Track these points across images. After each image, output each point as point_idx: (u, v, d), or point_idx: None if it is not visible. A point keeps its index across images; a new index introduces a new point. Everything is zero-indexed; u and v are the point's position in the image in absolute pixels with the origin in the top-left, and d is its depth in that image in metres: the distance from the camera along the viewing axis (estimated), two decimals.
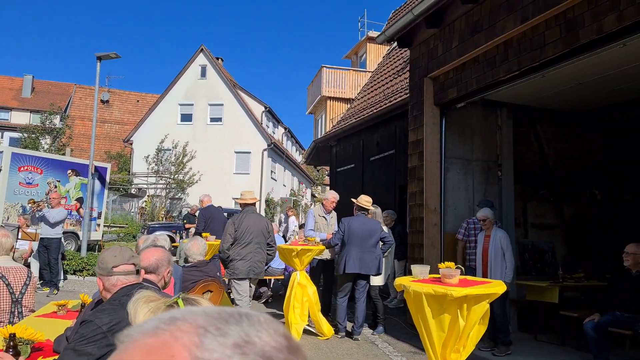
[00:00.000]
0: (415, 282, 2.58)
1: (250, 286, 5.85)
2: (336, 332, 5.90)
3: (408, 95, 7.60)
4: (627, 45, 4.51)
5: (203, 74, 26.71)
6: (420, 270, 2.78)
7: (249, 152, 26.00)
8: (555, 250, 7.66)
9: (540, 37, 4.92)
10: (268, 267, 8.14)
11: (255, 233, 5.47)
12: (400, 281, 2.70)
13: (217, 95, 26.39)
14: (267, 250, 5.62)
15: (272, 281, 8.84)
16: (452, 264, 2.53)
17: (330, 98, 17.92)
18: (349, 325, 6.23)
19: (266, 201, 25.42)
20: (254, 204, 5.87)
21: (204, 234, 7.11)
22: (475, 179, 7.12)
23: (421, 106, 6.87)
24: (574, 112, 7.61)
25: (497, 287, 2.43)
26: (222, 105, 26.40)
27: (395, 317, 6.97)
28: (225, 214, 16.45)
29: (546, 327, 6.73)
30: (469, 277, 2.80)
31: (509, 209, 7.18)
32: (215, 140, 25.87)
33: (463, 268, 2.64)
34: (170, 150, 25.10)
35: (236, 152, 26.02)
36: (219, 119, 26.38)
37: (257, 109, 27.81)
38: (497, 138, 7.30)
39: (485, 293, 2.38)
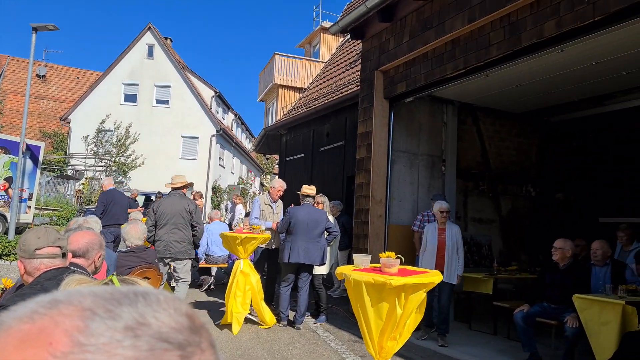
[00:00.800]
0: (356, 271, 2.60)
1: (171, 270, 5.84)
2: (278, 321, 5.89)
3: (359, 87, 7.65)
4: (565, 50, 4.74)
5: (150, 53, 25.59)
6: (361, 259, 2.81)
7: (197, 138, 25.30)
8: (492, 244, 8.02)
9: (486, 38, 5.08)
10: (210, 255, 7.99)
11: (171, 215, 5.68)
12: (342, 270, 2.71)
13: (164, 77, 25.39)
14: (193, 230, 5.76)
15: (215, 269, 8.67)
16: (392, 254, 2.57)
17: (282, 86, 17.75)
18: (291, 315, 6.23)
19: (213, 188, 24.91)
20: (183, 187, 6.02)
21: (142, 219, 6.83)
22: (420, 172, 7.30)
23: (371, 99, 6.93)
24: (514, 112, 7.96)
25: (434, 277, 2.50)
26: (169, 87, 25.45)
27: (337, 307, 7.05)
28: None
29: (480, 317, 7.05)
30: (408, 267, 2.85)
31: (451, 203, 7.40)
32: (161, 123, 24.94)
33: (403, 258, 2.68)
34: (111, 131, 23.89)
35: (183, 137, 25.23)
36: (166, 102, 25.43)
37: (207, 93, 27.07)
38: (443, 134, 7.52)
39: (423, 282, 2.44)
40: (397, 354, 4.93)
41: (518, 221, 8.41)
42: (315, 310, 6.49)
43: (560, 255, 5.17)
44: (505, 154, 8.37)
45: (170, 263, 5.69)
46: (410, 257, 5.88)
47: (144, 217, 7.88)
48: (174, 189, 6.00)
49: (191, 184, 6.86)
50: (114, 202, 8.15)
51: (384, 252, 2.60)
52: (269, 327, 5.78)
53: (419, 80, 6.14)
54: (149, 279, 4.16)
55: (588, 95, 6.82)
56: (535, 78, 6.00)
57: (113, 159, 23.25)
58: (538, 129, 8.60)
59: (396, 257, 2.59)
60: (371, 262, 2.89)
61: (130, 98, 25.29)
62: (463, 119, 7.87)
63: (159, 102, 25.40)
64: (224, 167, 27.55)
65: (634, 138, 9.09)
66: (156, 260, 4.60)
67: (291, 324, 5.92)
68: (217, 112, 28.03)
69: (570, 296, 4.75)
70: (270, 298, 6.68)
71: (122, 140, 23.78)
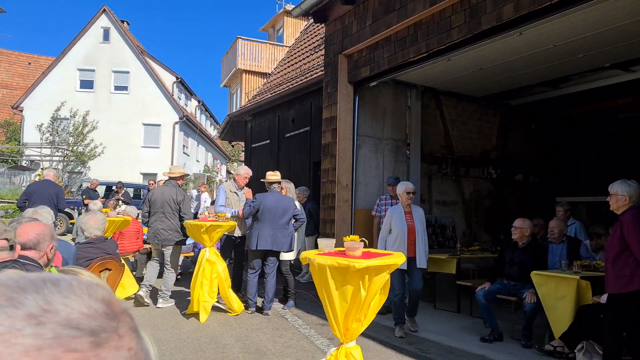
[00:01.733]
0: (320, 255, 2.60)
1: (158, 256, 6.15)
2: (246, 308, 5.86)
3: (323, 72, 7.60)
4: (523, 34, 4.84)
5: (106, 37, 24.56)
6: (326, 243, 2.81)
7: (159, 125, 24.62)
8: (455, 226, 8.21)
9: (447, 21, 5.12)
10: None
11: (160, 204, 6.13)
12: (306, 254, 2.71)
13: (122, 62, 24.47)
14: (180, 220, 6.12)
15: (181, 259, 8.52)
16: (356, 237, 2.57)
17: (245, 71, 17.42)
18: (259, 301, 6.22)
19: None
20: (179, 178, 6.56)
21: (103, 209, 6.62)
22: (385, 157, 7.36)
23: (335, 83, 6.90)
24: (475, 96, 8.11)
25: (397, 259, 2.53)
26: (127, 72, 24.56)
27: (306, 292, 7.08)
28: (130, 190, 15.55)
29: (444, 296, 7.25)
30: (372, 250, 2.87)
31: (416, 187, 7.50)
32: (121, 110, 24.10)
33: (367, 241, 2.70)
34: (68, 119, 22.88)
35: (144, 125, 24.50)
36: (125, 88, 24.55)
37: (168, 79, 26.31)
38: (407, 118, 7.59)
39: (386, 264, 2.47)
40: (364, 334, 5.00)
41: (480, 203, 8.65)
42: (284, 296, 6.49)
43: (519, 234, 5.34)
44: (467, 138, 8.54)
45: (162, 249, 6.14)
46: (376, 240, 5.93)
47: (105, 207, 7.65)
48: (170, 178, 6.44)
49: (187, 175, 7.23)
50: (35, 192, 7.93)
51: (349, 236, 2.61)
52: (237, 315, 5.75)
53: (383, 64, 6.14)
54: (110, 270, 4.04)
55: (546, 79, 7.01)
56: (496, 62, 6.12)
57: (70, 149, 22.34)
58: (498, 113, 8.81)
59: (360, 240, 2.59)
60: (336, 246, 2.90)
61: (87, 84, 24.28)
62: (426, 103, 7.96)
63: (117, 88, 24.51)
64: (188, 155, 27.00)
65: (589, 120, 9.48)
66: (117, 251, 4.46)
67: (260, 310, 5.91)
68: (180, 99, 27.35)
69: (528, 273, 4.94)
70: (239, 285, 6.64)
71: (80, 129, 22.84)
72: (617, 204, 3.81)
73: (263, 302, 5.94)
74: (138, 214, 10.25)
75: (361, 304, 2.49)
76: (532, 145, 9.27)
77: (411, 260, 5.11)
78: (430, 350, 4.63)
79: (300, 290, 7.14)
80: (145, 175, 22.86)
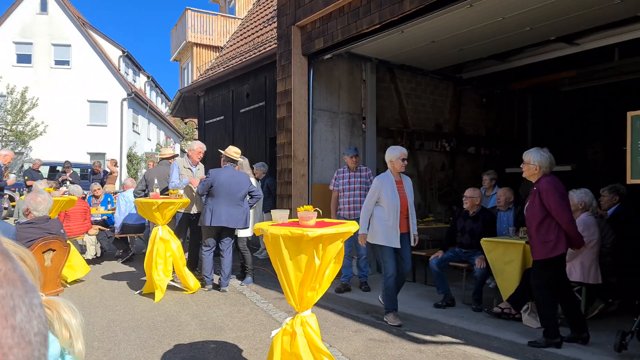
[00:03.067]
0: (274, 226, 2.57)
1: None
2: (203, 285, 5.78)
3: (277, 44, 7.42)
4: (474, 6, 4.90)
5: (43, 8, 22.94)
6: (280, 214, 2.78)
7: (106, 102, 23.50)
8: None
9: None
10: (125, 224, 7.59)
11: (151, 181, 6.56)
12: (259, 225, 2.67)
13: (62, 35, 23.00)
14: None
15: (134, 239, 8.28)
16: (310, 207, 2.56)
17: (196, 44, 16.79)
18: (217, 279, 6.15)
19: (128, 156, 23.50)
20: (170, 158, 7.10)
21: (46, 189, 6.27)
22: (341, 131, 7.35)
23: (289, 56, 6.77)
24: (429, 69, 8.20)
25: (350, 227, 2.54)
26: (69, 46, 23.15)
27: (264, 268, 7.07)
28: (77, 170, 14.84)
29: None
30: (325, 220, 2.87)
31: (372, 160, 7.60)
32: (63, 87, 22.77)
33: (321, 211, 2.69)
34: (4, 96, 21.41)
35: (90, 102, 23.31)
36: (66, 62, 23.15)
37: (114, 53, 25.03)
38: (362, 92, 7.58)
39: (339, 233, 2.47)
40: (322, 306, 5.08)
41: (434, 175, 8.85)
42: (241, 273, 6.45)
43: (470, 204, 5.51)
44: (421, 111, 8.66)
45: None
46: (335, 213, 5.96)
47: (49, 187, 7.26)
48: (162, 159, 7.18)
49: (176, 155, 7.61)
50: None
51: (302, 206, 2.58)
52: (193, 293, 5.66)
53: (336, 36, 6.07)
54: (54, 250, 3.85)
55: (496, 52, 7.16)
56: (447, 34, 6.17)
57: (9, 128, 20.98)
58: (451, 86, 8.96)
59: (314, 210, 2.58)
60: (290, 218, 2.88)
61: (24, 59, 22.72)
62: (381, 77, 7.98)
63: (58, 63, 23.09)
64: (139, 134, 26.02)
65: (536, 93, 9.83)
66: (62, 230, 4.25)
67: (217, 287, 5.85)
68: (127, 74, 26.13)
69: (478, 240, 5.13)
70: (195, 264, 6.53)
71: (18, 107, 21.43)
72: (529, 172, 3.99)
73: (220, 279, 5.87)
74: (85, 194, 9.83)
75: (315, 273, 2.49)
76: (483, 117, 9.53)
77: (403, 236, 4.52)
78: None
79: (258, 266, 7.12)
80: (92, 155, 21.85)
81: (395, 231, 4.44)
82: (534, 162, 3.94)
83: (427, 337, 4.12)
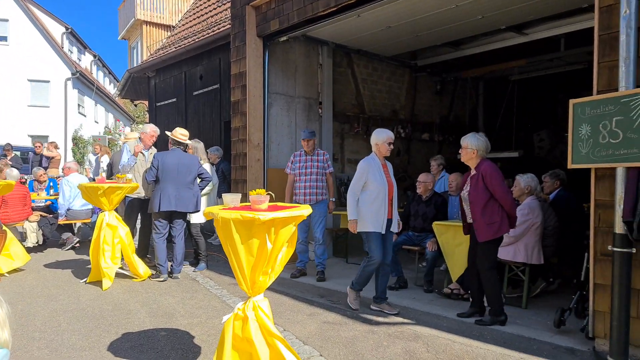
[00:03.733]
0: (225, 210, 2.50)
1: None
2: (157, 275, 5.56)
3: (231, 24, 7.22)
4: None
5: None
6: (231, 198, 2.71)
7: (48, 82, 22.18)
8: None
9: None
10: (69, 210, 7.24)
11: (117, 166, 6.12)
12: (210, 209, 2.59)
13: None
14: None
15: (79, 225, 7.92)
16: (262, 191, 2.50)
17: (146, 22, 16.08)
18: (169, 265, 6.00)
19: (74, 139, 22.37)
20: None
21: None
22: (298, 115, 7.29)
23: (244, 37, 6.61)
24: (385, 55, 8.24)
25: (304, 211, 2.51)
26: (6, 21, 21.61)
27: (218, 254, 6.96)
28: (18, 153, 13.98)
29: (356, 251, 7.53)
30: (279, 203, 2.83)
31: (329, 145, 7.60)
32: (1, 64, 21.29)
33: (273, 195, 2.64)
34: None
35: (30, 81, 21.95)
36: (4, 38, 21.63)
37: (56, 29, 23.60)
38: (319, 76, 7.53)
39: (292, 216, 2.44)
40: (277, 290, 5.06)
41: (390, 160, 8.96)
42: (195, 259, 6.32)
43: (423, 188, 5.63)
44: (378, 97, 8.72)
45: None
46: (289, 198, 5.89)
47: None
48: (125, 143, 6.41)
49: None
50: None
51: (254, 190, 2.53)
52: (143, 280, 5.49)
53: (292, 18, 5.96)
54: None
55: (449, 39, 7.29)
56: (403, 20, 6.21)
57: None
58: (407, 73, 9.06)
59: (267, 194, 2.53)
60: (242, 202, 2.82)
61: None
62: (338, 62, 7.95)
63: None
64: (85, 116, 24.80)
65: (487, 81, 10.12)
66: None
67: (169, 274, 5.70)
68: (71, 52, 24.78)
69: (431, 224, 5.26)
70: (145, 250, 6.33)
71: None
72: (467, 156, 4.11)
73: (172, 265, 5.73)
74: (25, 178, 9.28)
75: (268, 257, 2.46)
76: (437, 104, 9.73)
77: (388, 222, 4.39)
78: (340, 301, 4.80)
79: (212, 252, 7.00)
80: (33, 137, 20.65)
81: (383, 216, 4.29)
82: (471, 146, 4.05)
83: (380, 319, 4.19)
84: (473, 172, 4.13)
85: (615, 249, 3.17)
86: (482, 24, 6.41)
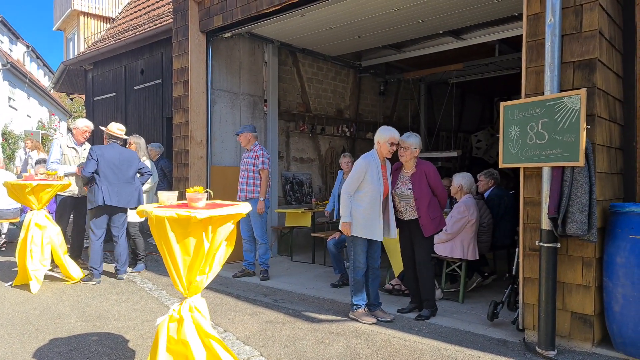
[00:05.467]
0: (159, 208, 2.42)
1: None
2: (90, 279, 5.29)
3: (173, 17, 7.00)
4: None
5: None
6: (167, 196, 2.63)
7: None
8: (312, 181, 8.51)
9: None
10: None
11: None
12: (143, 207, 2.50)
13: None
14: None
15: (6, 226, 7.40)
16: (200, 188, 2.44)
17: (84, 14, 15.29)
18: (108, 267, 5.74)
19: (4, 134, 20.85)
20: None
21: None
22: (242, 113, 7.19)
23: (186, 31, 6.44)
24: (330, 55, 8.30)
25: (242, 208, 2.47)
26: None
27: (157, 254, 6.73)
28: None
29: (301, 249, 7.55)
30: (217, 201, 2.77)
31: (274, 143, 7.56)
32: None
33: (212, 192, 2.59)
34: None
35: None
36: None
37: None
38: (264, 74, 7.46)
39: (231, 214, 2.40)
40: (218, 290, 4.98)
41: (335, 159, 9.04)
42: (132, 259, 6.08)
43: None
44: (323, 96, 8.77)
45: None
46: (234, 197, 5.75)
47: None
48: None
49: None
50: None
51: (191, 187, 2.46)
52: (75, 282, 5.21)
53: (236, 14, 5.87)
54: None
55: (392, 42, 7.46)
56: (346, 22, 6.28)
57: None
58: (352, 73, 9.18)
59: (205, 192, 2.47)
60: (179, 200, 2.74)
61: None
62: (284, 60, 7.92)
63: None
64: (16, 109, 23.18)
65: (428, 83, 10.44)
66: None
67: (113, 277, 5.45)
68: (2, 42, 23.09)
69: None
70: (79, 252, 6.01)
71: None
72: (411, 155, 4.16)
73: (115, 267, 5.49)
74: None
75: (205, 256, 2.40)
76: (381, 105, 9.93)
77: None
78: (284, 299, 4.79)
79: (151, 253, 6.77)
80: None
81: (377, 222, 4.01)
82: (415, 146, 4.16)
83: (322, 316, 4.22)
84: (410, 170, 4.23)
85: (542, 244, 3.35)
86: (423, 28, 6.61)
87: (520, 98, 3.60)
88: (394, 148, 4.12)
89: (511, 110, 3.58)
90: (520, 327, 3.68)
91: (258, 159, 5.57)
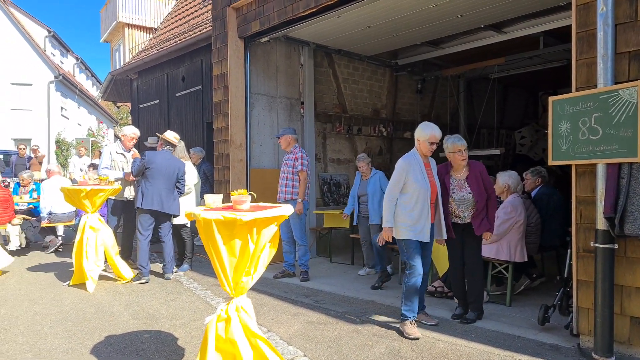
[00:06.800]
0: (206, 211, 2.49)
1: None
2: (139, 277, 5.50)
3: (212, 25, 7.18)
4: None
5: None
6: (213, 199, 2.70)
7: (30, 85, 21.81)
8: (349, 182, 8.49)
9: None
10: (52, 213, 7.14)
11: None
12: (191, 211, 2.57)
13: None
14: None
15: (62, 229, 7.80)
16: (244, 191, 2.50)
17: (128, 25, 15.90)
18: (155, 267, 5.94)
19: (57, 142, 22.01)
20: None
21: None
22: (279, 115, 7.28)
23: (225, 38, 6.58)
24: (366, 55, 8.26)
25: (285, 211, 2.51)
26: None
27: (201, 255, 6.91)
28: (1, 156, 13.74)
29: (339, 250, 7.55)
30: (260, 203, 2.82)
31: (311, 145, 7.60)
32: None
33: (255, 195, 2.64)
34: None
35: (13, 84, 21.55)
36: None
37: (39, 33, 23.23)
38: (300, 76, 7.52)
39: (274, 216, 2.43)
40: (260, 290, 5.05)
41: (372, 160, 8.99)
42: (179, 260, 6.27)
43: None
44: (359, 96, 8.75)
45: None
46: (273, 199, 5.83)
47: None
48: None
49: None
50: None
51: (236, 190, 2.52)
52: (127, 282, 5.43)
53: (273, 19, 5.95)
54: None
55: (429, 38, 7.33)
56: (383, 20, 6.23)
57: None
58: (388, 72, 9.11)
59: (248, 194, 2.52)
60: (224, 203, 2.81)
61: None
62: (320, 62, 7.96)
63: None
64: (68, 119, 24.44)
65: (468, 79, 10.21)
66: None
67: (160, 276, 5.66)
68: (54, 55, 24.41)
69: None
70: (129, 252, 6.26)
71: None
72: (466, 157, 4.03)
73: (163, 267, 5.69)
74: (9, 182, 9.14)
75: (250, 258, 2.45)
76: (419, 103, 9.79)
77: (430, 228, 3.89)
78: (325, 300, 4.80)
79: (198, 254, 6.95)
80: (17, 140, 20.30)
81: (424, 222, 3.77)
82: (465, 148, 4.04)
83: (364, 318, 4.20)
84: (462, 172, 4.07)
85: (597, 245, 3.18)
86: (461, 23, 6.47)
87: (569, 92, 3.44)
88: (434, 147, 3.90)
89: (561, 105, 3.44)
90: (575, 332, 3.50)
91: (297, 160, 5.60)
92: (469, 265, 4.12)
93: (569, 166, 3.49)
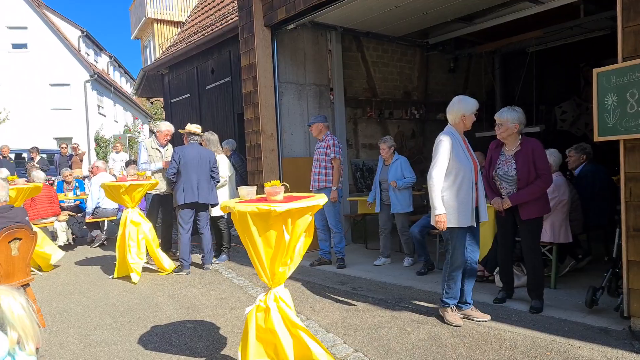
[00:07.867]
0: (241, 203, 2.49)
1: None
2: (180, 269, 5.64)
3: (238, 16, 7.17)
4: None
5: None
6: (247, 191, 2.70)
7: (68, 85, 22.58)
8: None
9: None
10: (98, 208, 7.43)
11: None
12: (226, 203, 2.59)
13: (17, 17, 21.78)
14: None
15: (106, 223, 8.09)
16: (277, 182, 2.48)
17: (157, 21, 16.15)
18: (195, 258, 6.07)
19: (96, 139, 22.78)
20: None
21: (10, 177, 6.02)
22: (309, 103, 7.23)
23: (251, 28, 6.56)
24: (395, 36, 8.06)
25: (319, 199, 2.49)
26: (25, 29, 21.99)
27: (240, 245, 7.00)
28: (45, 156, 14.36)
29: (375, 236, 7.48)
30: (294, 194, 2.81)
31: (342, 131, 7.53)
32: (22, 71, 21.72)
33: (288, 185, 2.62)
34: None
35: (51, 85, 22.36)
36: (24, 46, 22.03)
37: (73, 33, 23.93)
38: (328, 62, 7.43)
39: (308, 206, 2.42)
40: (297, 279, 5.08)
41: (405, 143, 8.85)
42: (217, 250, 6.39)
43: None
44: (389, 79, 8.58)
45: None
46: (305, 188, 5.82)
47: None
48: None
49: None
50: None
51: (269, 182, 2.51)
52: (168, 273, 5.59)
53: (299, 4, 5.88)
54: (20, 239, 3.69)
55: (461, 14, 7.05)
56: None
57: None
58: (418, 52, 8.88)
59: (281, 185, 2.51)
60: (259, 194, 2.81)
61: None
62: (347, 46, 7.83)
63: (15, 46, 21.96)
64: (105, 116, 25.20)
65: (503, 54, 9.84)
66: (26, 218, 4.07)
67: (201, 267, 5.80)
68: (88, 55, 25.12)
69: None
70: (168, 245, 6.43)
71: None
72: (507, 132, 3.75)
73: (202, 258, 5.81)
74: (53, 180, 9.54)
75: (286, 248, 2.45)
76: (451, 83, 9.52)
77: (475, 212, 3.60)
78: (362, 287, 4.78)
79: (235, 244, 7.06)
80: (58, 139, 21.13)
81: (470, 205, 3.49)
82: (512, 120, 3.73)
83: (403, 304, 4.16)
84: (513, 148, 3.82)
85: None
86: None
87: (615, 62, 3.24)
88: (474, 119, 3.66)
89: (606, 77, 3.25)
90: (625, 315, 3.36)
91: (330, 148, 5.57)
92: (526, 253, 3.87)
93: (616, 142, 3.30)
